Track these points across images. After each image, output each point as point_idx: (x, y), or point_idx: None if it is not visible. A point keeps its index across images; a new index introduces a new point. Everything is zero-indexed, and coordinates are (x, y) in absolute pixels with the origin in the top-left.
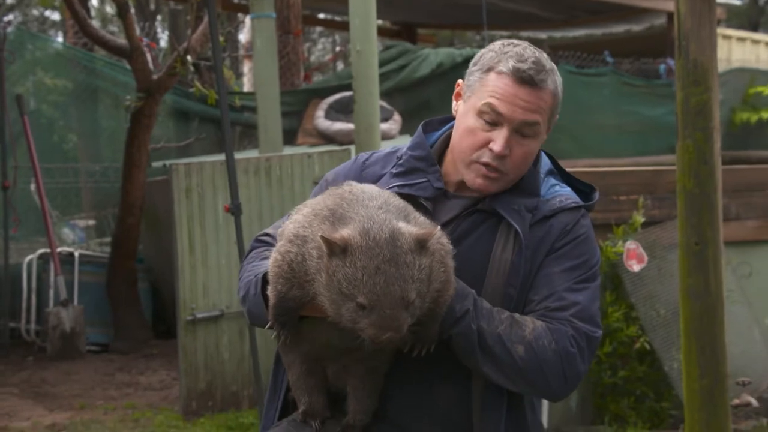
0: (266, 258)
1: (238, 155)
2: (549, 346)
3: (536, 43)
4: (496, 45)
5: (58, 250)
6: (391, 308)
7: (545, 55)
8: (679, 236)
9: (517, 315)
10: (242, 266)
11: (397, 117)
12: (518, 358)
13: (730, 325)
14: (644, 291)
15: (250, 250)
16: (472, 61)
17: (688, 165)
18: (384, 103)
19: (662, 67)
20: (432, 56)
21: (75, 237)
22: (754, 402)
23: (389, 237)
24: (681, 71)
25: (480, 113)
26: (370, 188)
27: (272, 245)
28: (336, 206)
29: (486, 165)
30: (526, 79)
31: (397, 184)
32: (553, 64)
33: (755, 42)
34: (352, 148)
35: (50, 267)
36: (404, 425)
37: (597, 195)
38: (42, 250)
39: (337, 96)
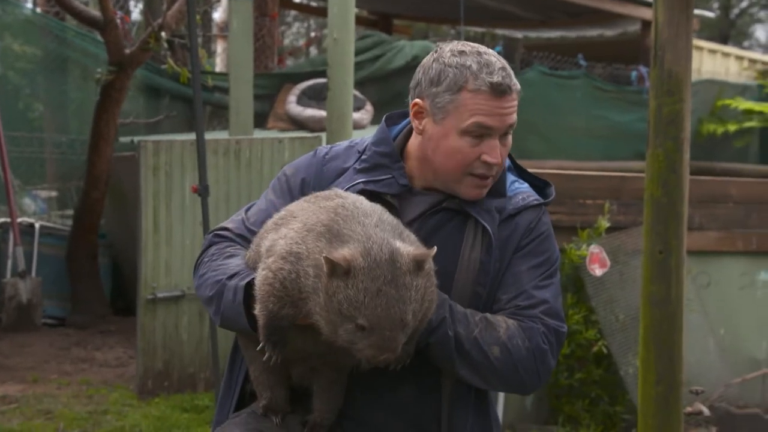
0: (232, 256)
1: (207, 136)
2: (523, 345)
3: (511, 42)
4: (452, 59)
5: (19, 220)
6: (391, 330)
7: (491, 50)
8: (644, 244)
9: (489, 315)
10: (200, 260)
11: (369, 107)
12: (494, 359)
13: (686, 334)
14: (605, 295)
15: (209, 245)
16: (428, 79)
17: (657, 173)
18: (357, 93)
19: (634, 73)
20: (407, 48)
21: (36, 207)
22: (705, 411)
23: (389, 258)
24: (655, 80)
25: (464, 133)
26: (362, 202)
27: (233, 241)
28: (331, 222)
29: (480, 176)
30: (504, 90)
31: (362, 180)
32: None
33: (725, 55)
34: (324, 135)
35: (9, 237)
36: (370, 421)
37: (552, 190)
38: (2, 220)
39: (311, 82)
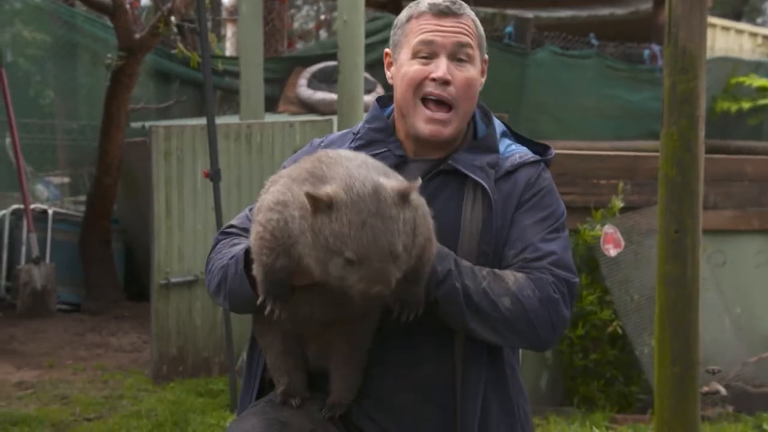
0: (235, 245)
1: (218, 120)
2: (533, 295)
3: (522, 22)
4: (408, 6)
5: (32, 206)
6: (380, 261)
7: None
8: (659, 223)
9: (497, 270)
10: (209, 257)
11: (380, 89)
12: (505, 310)
13: (702, 314)
14: (619, 276)
15: (216, 243)
16: (391, 31)
17: (671, 152)
18: (368, 75)
19: (646, 52)
20: None
21: (49, 194)
22: (722, 390)
23: (372, 191)
24: (669, 58)
25: (414, 55)
26: (346, 151)
27: (239, 235)
28: (314, 168)
29: (432, 99)
30: (444, 10)
31: None
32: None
33: (739, 32)
34: (335, 118)
35: (23, 223)
36: (387, 400)
37: (553, 151)
38: (15, 206)
39: (321, 65)
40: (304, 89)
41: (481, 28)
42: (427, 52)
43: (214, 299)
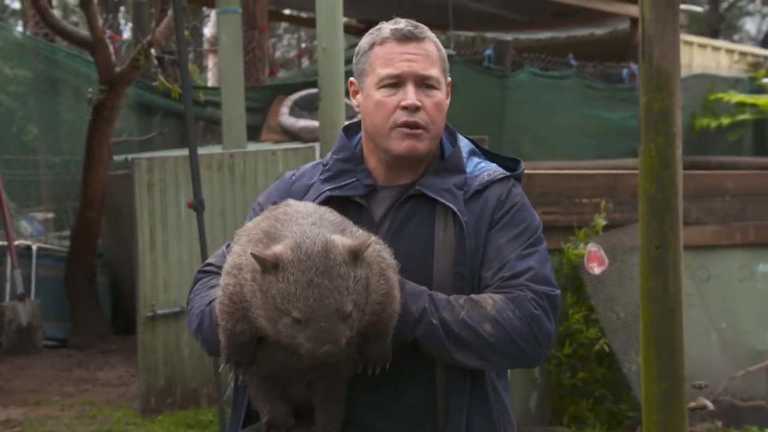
0: (213, 287)
1: (201, 150)
2: (513, 315)
3: (501, 44)
4: (368, 32)
5: (16, 243)
6: (327, 321)
7: None
8: (640, 240)
9: (473, 296)
10: (189, 299)
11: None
12: (487, 335)
13: (687, 329)
14: (604, 293)
15: (195, 282)
16: (355, 58)
17: (650, 169)
18: (348, 101)
19: (625, 71)
20: None
21: (33, 230)
22: (709, 405)
23: (321, 250)
24: (644, 76)
25: (379, 84)
26: (306, 206)
27: (217, 274)
28: (270, 228)
29: (405, 125)
30: (406, 34)
31: (329, 188)
32: None
33: (716, 49)
34: (317, 145)
35: (7, 260)
36: (371, 426)
37: (522, 166)
38: None
39: (302, 93)
40: (286, 117)
41: (443, 50)
42: (394, 81)
43: (197, 341)
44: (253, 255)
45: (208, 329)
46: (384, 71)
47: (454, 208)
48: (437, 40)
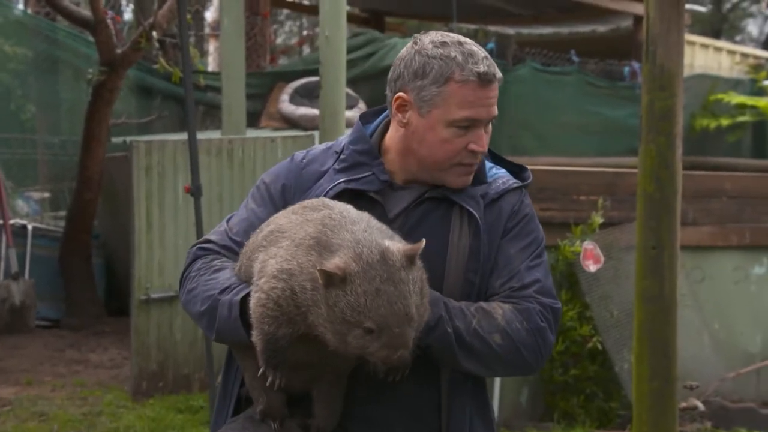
0: (220, 270)
1: (200, 135)
2: (522, 327)
3: (504, 38)
4: (435, 51)
5: (12, 221)
6: (399, 326)
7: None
8: (637, 239)
9: (484, 304)
10: (186, 274)
11: (362, 105)
12: (497, 346)
13: (680, 329)
14: (599, 291)
15: (194, 259)
16: (411, 72)
17: (649, 169)
18: (350, 91)
19: (626, 69)
20: (400, 46)
21: (29, 209)
22: (700, 406)
23: (381, 257)
24: (647, 76)
25: (452, 124)
26: (349, 211)
27: (218, 254)
28: (319, 234)
29: (468, 165)
30: (490, 79)
31: (343, 179)
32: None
33: (717, 49)
34: (316, 134)
35: (2, 238)
36: (372, 419)
37: (529, 174)
38: None
39: (303, 81)
40: (286, 104)
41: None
42: (467, 125)
43: (192, 319)
44: (320, 271)
45: (227, 321)
46: (462, 113)
47: (477, 215)
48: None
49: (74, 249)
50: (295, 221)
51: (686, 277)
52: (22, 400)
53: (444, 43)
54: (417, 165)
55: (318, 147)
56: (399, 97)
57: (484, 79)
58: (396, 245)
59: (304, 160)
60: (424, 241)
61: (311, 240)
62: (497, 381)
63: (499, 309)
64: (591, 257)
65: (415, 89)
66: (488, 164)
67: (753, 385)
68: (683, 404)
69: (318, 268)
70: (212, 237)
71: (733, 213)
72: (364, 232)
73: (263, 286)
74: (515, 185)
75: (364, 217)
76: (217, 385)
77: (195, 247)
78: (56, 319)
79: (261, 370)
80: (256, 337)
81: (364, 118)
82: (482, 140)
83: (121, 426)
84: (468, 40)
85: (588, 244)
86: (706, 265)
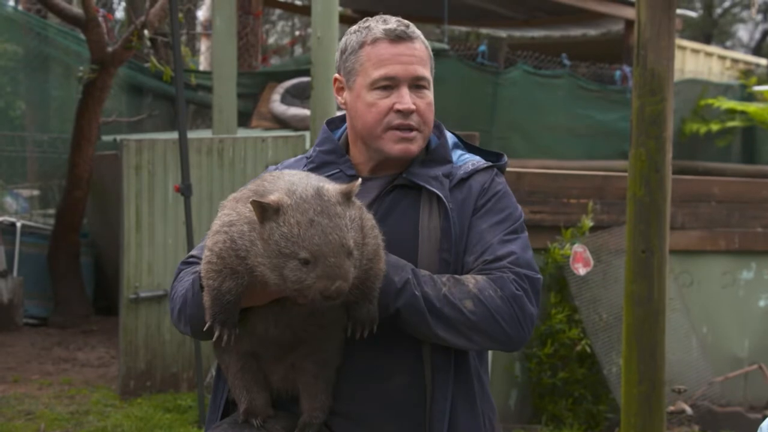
0: (197, 272)
1: (190, 134)
2: (495, 294)
3: (495, 41)
4: (353, 28)
5: (0, 219)
6: (334, 256)
7: None
8: (627, 243)
9: (456, 275)
10: (172, 286)
11: None
12: (469, 312)
13: (668, 333)
14: (588, 295)
15: (178, 272)
16: (339, 52)
17: (639, 173)
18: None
19: (617, 73)
20: None
21: (18, 206)
22: (688, 409)
23: (315, 193)
24: (638, 80)
25: (372, 86)
26: (289, 170)
27: (199, 264)
28: (257, 187)
29: (398, 127)
30: (400, 34)
31: None
32: None
33: (708, 54)
34: (307, 134)
35: None
36: (359, 416)
37: (505, 158)
38: None
39: (294, 81)
40: (277, 104)
41: (429, 46)
42: (385, 85)
43: (177, 328)
44: (254, 202)
45: (192, 301)
46: (377, 73)
47: (440, 194)
48: (424, 38)
49: (63, 247)
50: (241, 189)
51: (675, 281)
52: (8, 399)
53: (365, 20)
54: (363, 145)
55: (291, 159)
56: (335, 80)
57: (393, 35)
58: (331, 183)
59: (277, 170)
60: (360, 180)
61: (250, 192)
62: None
63: (472, 279)
64: (580, 260)
65: (342, 67)
66: (459, 151)
67: (741, 389)
68: (671, 408)
69: (251, 200)
70: (195, 252)
71: (722, 217)
72: (299, 177)
73: (208, 243)
74: (485, 165)
75: (304, 171)
76: (207, 384)
77: (180, 263)
78: (44, 317)
79: (207, 324)
80: (204, 294)
81: (332, 123)
82: (406, 98)
83: (109, 425)
84: (393, 17)
85: (578, 247)
86: (695, 269)
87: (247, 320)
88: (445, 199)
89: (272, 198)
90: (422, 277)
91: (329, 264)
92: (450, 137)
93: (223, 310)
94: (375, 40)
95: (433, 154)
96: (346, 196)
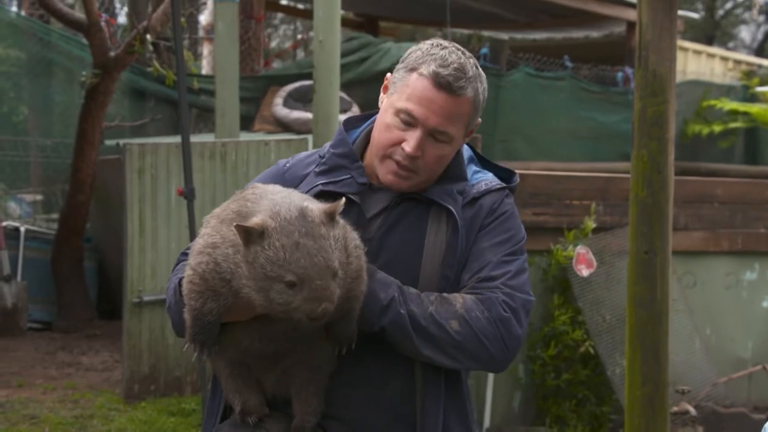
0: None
1: (193, 138)
2: (482, 315)
3: (497, 43)
4: (425, 45)
5: (4, 224)
6: (320, 278)
7: (473, 60)
8: (630, 244)
9: (445, 294)
10: (169, 279)
11: (355, 109)
12: (454, 333)
13: (672, 334)
14: (591, 296)
15: (176, 264)
16: (403, 56)
17: (642, 174)
18: (343, 95)
19: (619, 74)
20: (393, 50)
21: (21, 211)
22: (692, 410)
23: (299, 214)
24: (640, 81)
25: (397, 112)
26: (274, 186)
27: None
28: (241, 208)
29: (398, 163)
30: (444, 85)
31: (322, 182)
32: (480, 71)
33: (710, 56)
34: (310, 137)
35: None
36: (352, 420)
37: (517, 178)
38: None
39: (297, 84)
40: (279, 108)
41: (481, 101)
42: (405, 120)
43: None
44: (238, 226)
45: (174, 308)
46: (404, 104)
47: (453, 210)
48: (481, 90)
49: (66, 252)
50: (224, 205)
51: (678, 282)
52: (13, 403)
53: (439, 45)
54: (372, 150)
55: (304, 153)
56: (387, 77)
57: (437, 82)
58: (315, 203)
59: (288, 165)
60: (343, 200)
61: (233, 214)
62: (490, 385)
63: (460, 298)
64: (583, 262)
65: (395, 71)
66: (473, 167)
67: (744, 390)
68: (675, 409)
69: (235, 225)
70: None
71: (724, 219)
72: (282, 197)
73: (191, 262)
74: (498, 186)
75: (287, 189)
76: (209, 388)
77: (180, 254)
78: (48, 322)
79: (186, 345)
80: (186, 313)
81: (349, 124)
82: (414, 143)
83: (113, 429)
84: (466, 54)
85: (580, 249)
86: (698, 270)
87: (230, 333)
88: (456, 215)
89: (256, 221)
90: (409, 295)
91: (315, 287)
92: (466, 150)
93: (202, 331)
94: (423, 76)
95: (449, 171)
96: (330, 216)
